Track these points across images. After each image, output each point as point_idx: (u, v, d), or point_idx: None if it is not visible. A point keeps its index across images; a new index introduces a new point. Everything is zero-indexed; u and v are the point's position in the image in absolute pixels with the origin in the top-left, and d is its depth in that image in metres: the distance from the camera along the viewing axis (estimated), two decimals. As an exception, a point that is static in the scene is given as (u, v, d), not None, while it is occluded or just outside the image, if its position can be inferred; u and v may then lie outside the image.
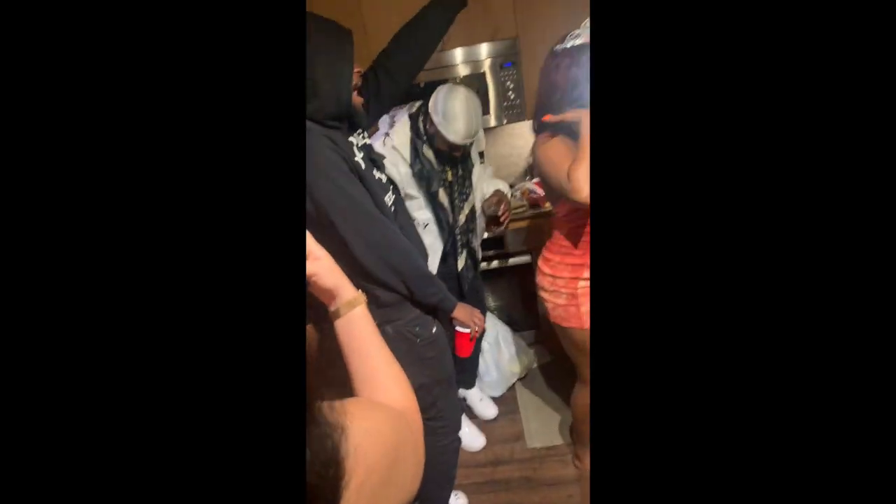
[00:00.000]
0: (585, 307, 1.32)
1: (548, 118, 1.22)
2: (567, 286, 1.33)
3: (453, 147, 1.50)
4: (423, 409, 1.27)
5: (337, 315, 0.59)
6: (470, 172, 1.67)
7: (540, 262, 1.42)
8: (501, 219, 1.65)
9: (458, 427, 1.41)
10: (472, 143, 1.55)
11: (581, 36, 1.22)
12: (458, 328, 1.35)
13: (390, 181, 1.26)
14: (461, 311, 1.30)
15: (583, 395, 1.56)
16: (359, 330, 0.58)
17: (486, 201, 1.70)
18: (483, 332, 1.41)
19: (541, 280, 1.41)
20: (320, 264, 0.58)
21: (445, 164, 1.58)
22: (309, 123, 1.04)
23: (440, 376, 1.29)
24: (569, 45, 1.22)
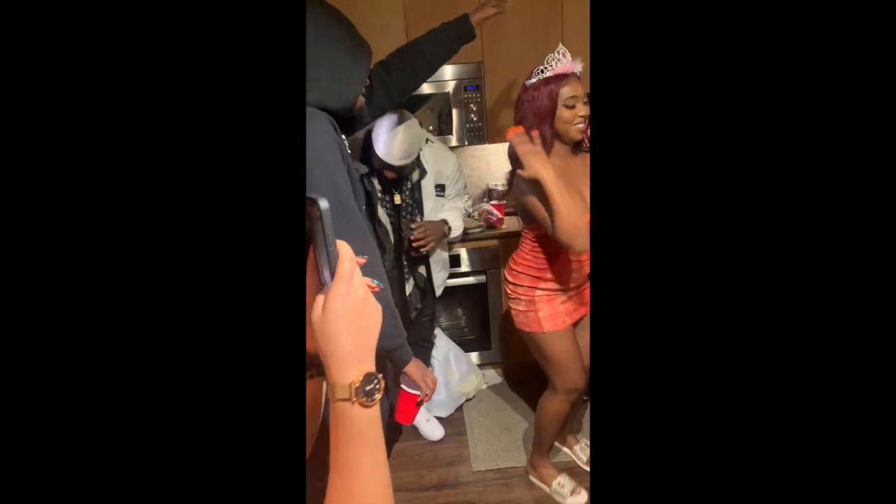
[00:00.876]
0: (543, 313, 1.47)
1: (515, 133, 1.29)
2: (526, 293, 1.48)
3: (385, 165, 1.51)
4: None
5: (331, 395, 0.43)
6: (420, 203, 1.69)
7: (506, 272, 1.57)
8: (414, 244, 1.65)
9: None
10: (405, 168, 1.56)
11: (547, 70, 1.32)
12: (406, 388, 1.14)
13: (367, 193, 1.20)
14: (415, 368, 1.08)
15: (544, 399, 1.61)
16: (343, 434, 0.42)
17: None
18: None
19: (505, 287, 1.57)
20: (317, 318, 0.43)
21: (391, 187, 1.60)
22: (311, 108, 0.98)
23: None
24: (534, 80, 1.34)
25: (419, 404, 1.16)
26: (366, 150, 1.57)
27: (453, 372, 2.11)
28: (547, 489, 1.71)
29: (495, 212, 2.24)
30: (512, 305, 1.54)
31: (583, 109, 1.30)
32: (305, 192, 0.43)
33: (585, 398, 2.07)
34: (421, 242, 1.64)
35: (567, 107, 1.31)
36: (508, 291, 1.54)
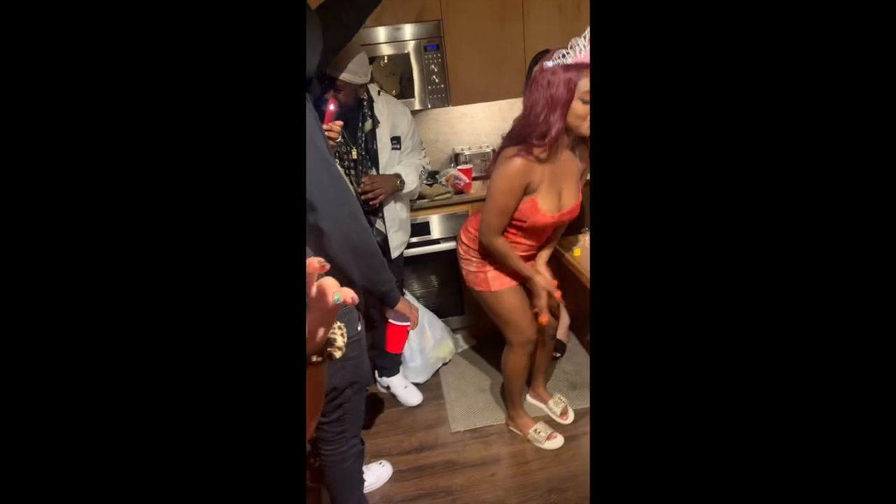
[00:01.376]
0: (491, 273, 1.55)
1: None
2: (477, 255, 1.55)
3: (337, 86, 1.50)
4: (326, 414, 1.17)
5: None
6: (375, 155, 1.67)
7: (461, 233, 1.62)
8: (363, 196, 1.63)
9: (358, 431, 1.31)
10: (353, 96, 1.57)
11: (569, 55, 1.23)
12: (395, 321, 1.27)
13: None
14: (403, 304, 1.24)
15: (504, 355, 1.72)
16: None
17: None
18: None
19: (458, 247, 1.63)
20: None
21: (349, 142, 1.63)
22: None
23: (355, 379, 1.20)
24: (552, 64, 1.25)
25: (408, 333, 1.32)
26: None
27: (428, 338, 2.13)
28: (526, 437, 1.79)
29: (463, 176, 2.21)
30: (463, 265, 1.61)
31: None
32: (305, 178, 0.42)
33: (556, 355, 2.13)
34: (370, 195, 1.63)
35: (584, 101, 1.23)
36: (461, 252, 1.61)
